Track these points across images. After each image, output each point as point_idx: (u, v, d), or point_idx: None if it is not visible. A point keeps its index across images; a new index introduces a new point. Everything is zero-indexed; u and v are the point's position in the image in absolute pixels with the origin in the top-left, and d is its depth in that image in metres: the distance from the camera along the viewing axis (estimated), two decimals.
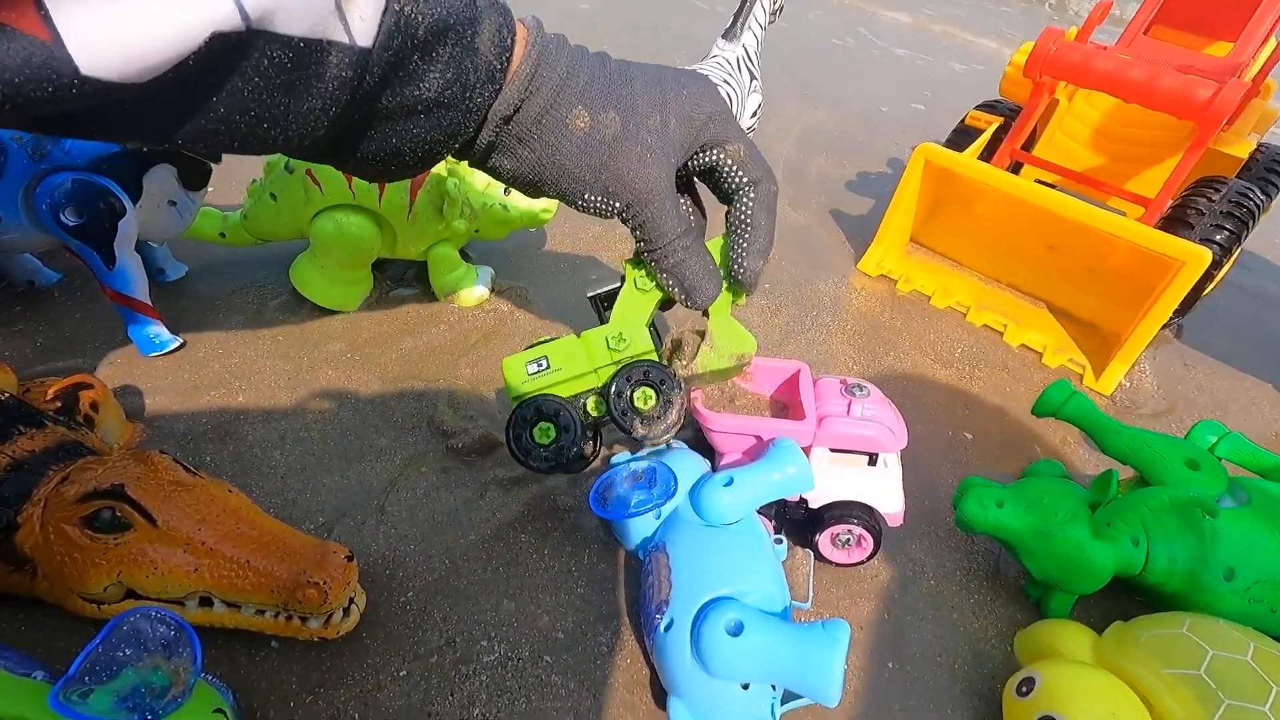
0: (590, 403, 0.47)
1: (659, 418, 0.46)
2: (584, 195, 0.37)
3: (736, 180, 0.42)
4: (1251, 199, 0.86)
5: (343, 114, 0.29)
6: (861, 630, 0.51)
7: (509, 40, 0.33)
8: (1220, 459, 0.55)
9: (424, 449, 0.61)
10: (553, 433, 0.46)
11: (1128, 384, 0.83)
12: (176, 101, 0.24)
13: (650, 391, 0.45)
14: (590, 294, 0.48)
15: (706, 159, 0.41)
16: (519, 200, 0.77)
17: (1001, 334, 0.89)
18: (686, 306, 0.44)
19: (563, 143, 0.36)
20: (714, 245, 0.45)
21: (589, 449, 0.49)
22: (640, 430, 0.46)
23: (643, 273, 0.44)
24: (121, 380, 0.63)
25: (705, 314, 0.46)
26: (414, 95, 0.31)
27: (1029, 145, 1.12)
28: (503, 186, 0.79)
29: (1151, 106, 0.80)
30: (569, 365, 0.45)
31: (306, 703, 0.43)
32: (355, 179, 0.69)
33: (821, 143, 1.46)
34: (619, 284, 0.46)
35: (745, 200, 0.42)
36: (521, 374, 0.45)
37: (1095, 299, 0.90)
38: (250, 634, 0.43)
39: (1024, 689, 0.44)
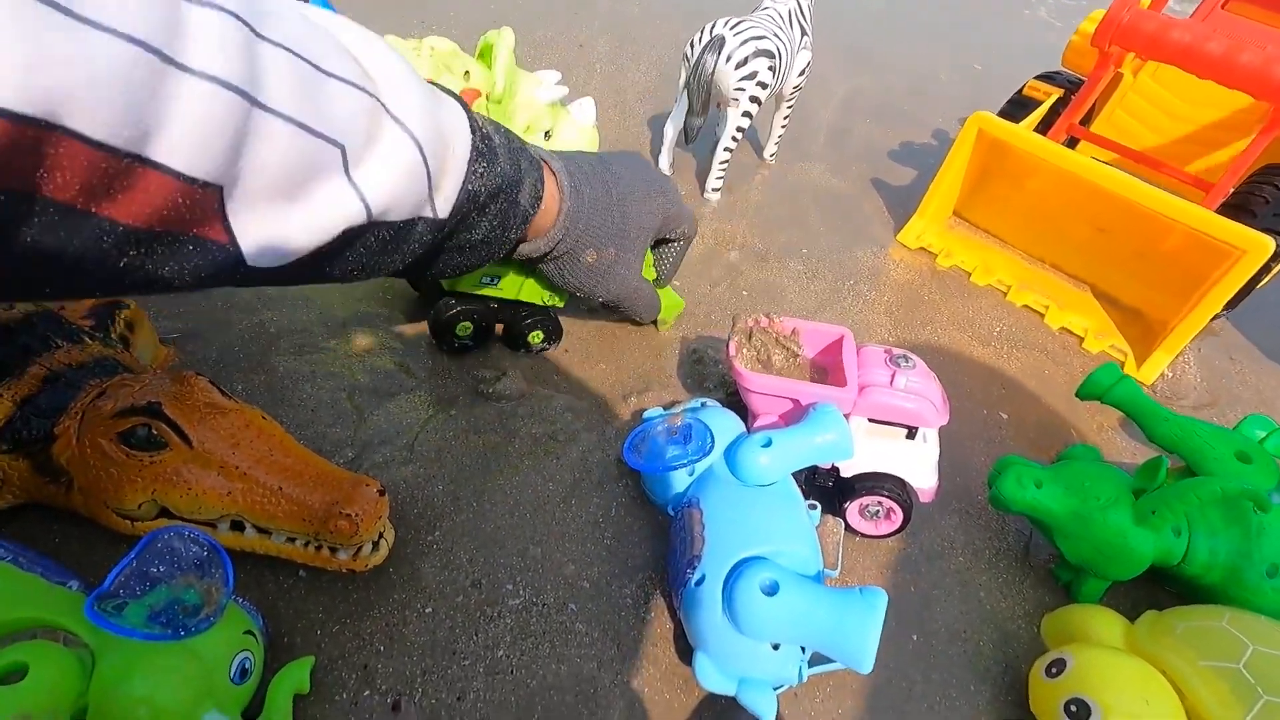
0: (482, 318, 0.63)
1: (535, 351, 0.65)
2: (585, 294, 0.55)
3: (676, 242, 0.63)
4: None
5: (415, 261, 0.38)
6: (888, 601, 0.51)
7: (541, 191, 0.45)
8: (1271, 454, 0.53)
9: (454, 392, 0.60)
10: (470, 330, 0.62)
11: (1170, 374, 0.81)
12: (307, 271, 0.32)
13: (540, 334, 0.65)
14: None
15: (665, 235, 0.61)
16: (559, 146, 0.75)
17: (1042, 315, 0.87)
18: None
19: (577, 270, 0.53)
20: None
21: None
22: (521, 353, 0.65)
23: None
24: (155, 304, 0.62)
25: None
26: (466, 238, 0.42)
27: (1087, 121, 1.07)
28: (544, 131, 0.77)
29: (1229, 84, 0.76)
30: (508, 290, 0.59)
31: (333, 632, 0.43)
32: None
33: (866, 109, 1.41)
34: None
35: (675, 248, 0.64)
36: (476, 279, 0.58)
37: (1143, 285, 0.87)
38: (279, 562, 0.44)
39: (1054, 670, 0.43)
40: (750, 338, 0.56)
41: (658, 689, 0.43)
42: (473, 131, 0.37)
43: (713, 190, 0.96)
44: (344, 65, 0.29)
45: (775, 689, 0.40)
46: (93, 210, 0.22)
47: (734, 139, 0.92)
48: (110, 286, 0.25)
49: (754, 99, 0.88)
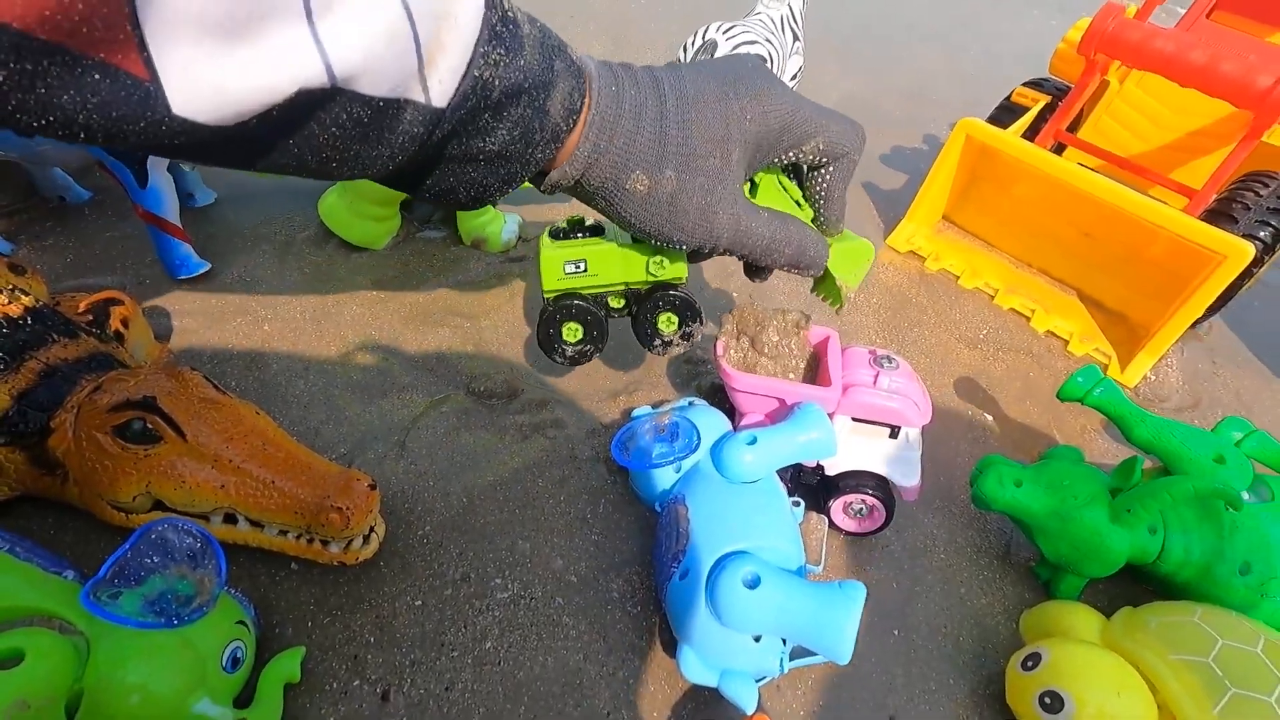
0: (612, 299, 0.49)
1: (674, 344, 0.49)
2: (662, 239, 0.40)
3: (824, 166, 0.43)
4: None
5: (407, 161, 0.31)
6: (869, 597, 0.52)
7: (579, 104, 0.35)
8: (1246, 455, 0.54)
9: (446, 390, 0.61)
10: (580, 334, 0.48)
11: (1153, 377, 0.82)
12: (257, 141, 0.26)
13: (673, 317, 0.49)
14: None
15: (788, 158, 0.42)
16: None
17: (1028, 319, 0.88)
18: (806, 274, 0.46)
19: (626, 203, 0.38)
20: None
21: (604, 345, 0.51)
22: (655, 349, 0.49)
23: None
24: (150, 301, 0.63)
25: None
26: (478, 147, 0.33)
27: (1074, 128, 1.09)
28: None
29: (1211, 92, 0.78)
30: (604, 274, 0.47)
31: (324, 624, 0.44)
32: None
33: (858, 113, 1.42)
34: None
35: (827, 174, 0.44)
36: (559, 271, 0.46)
37: (1127, 289, 0.89)
38: (271, 554, 0.44)
39: (1030, 664, 0.44)
40: (745, 321, 0.53)
41: (642, 680, 0.44)
42: (489, 7, 0.31)
43: None
44: None
45: (757, 680, 0.41)
46: None
47: None
48: None
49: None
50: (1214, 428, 0.57)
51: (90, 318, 0.50)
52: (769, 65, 0.88)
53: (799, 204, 0.45)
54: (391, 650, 0.43)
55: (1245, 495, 0.51)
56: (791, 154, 0.42)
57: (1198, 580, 0.50)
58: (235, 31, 0.23)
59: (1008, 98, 1.10)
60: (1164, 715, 0.41)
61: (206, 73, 0.22)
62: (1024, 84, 1.10)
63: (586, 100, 0.36)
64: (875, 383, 0.52)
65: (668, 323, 0.49)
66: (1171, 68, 0.80)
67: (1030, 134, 1.01)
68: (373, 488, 0.43)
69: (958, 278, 0.93)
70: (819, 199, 0.45)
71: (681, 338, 0.49)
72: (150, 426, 0.40)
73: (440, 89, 0.30)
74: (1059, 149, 1.04)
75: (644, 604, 0.48)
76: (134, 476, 0.40)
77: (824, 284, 0.50)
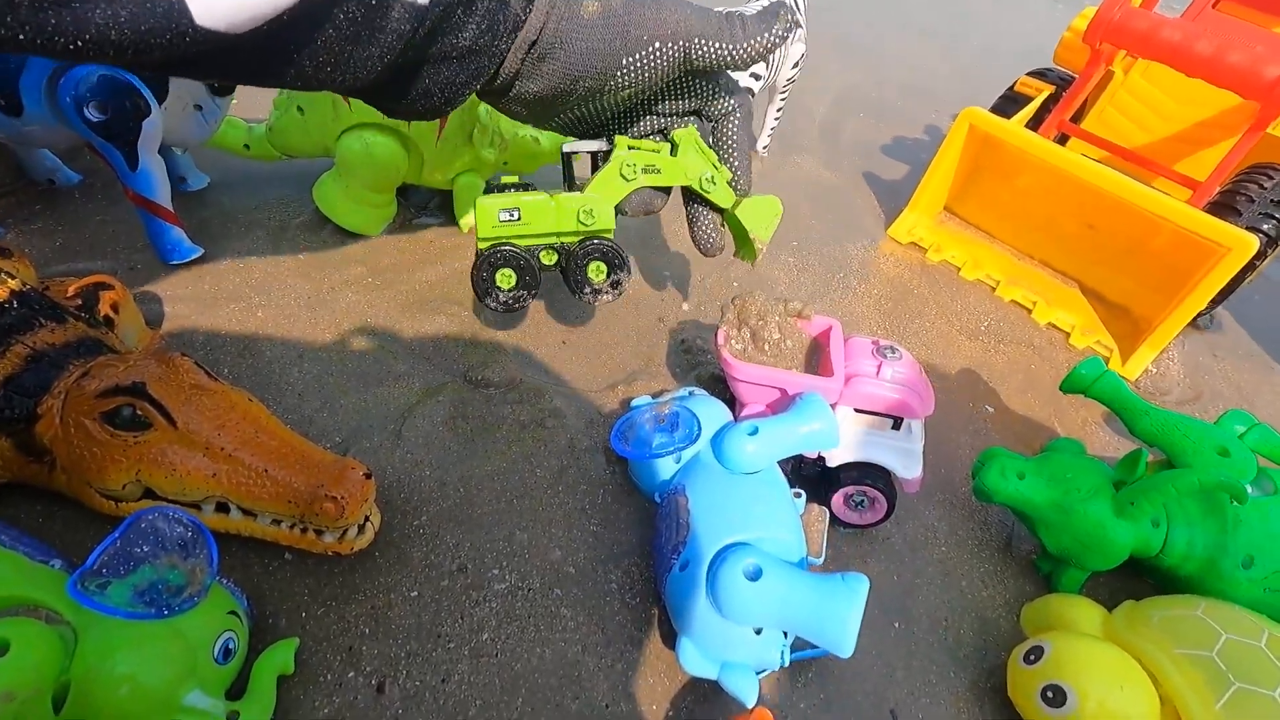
0: (544, 254, 0.51)
1: (604, 292, 0.51)
2: (623, 64, 0.39)
3: (728, 116, 0.46)
4: None
5: (394, 60, 0.33)
6: (870, 589, 0.51)
7: None
8: (1249, 449, 0.54)
9: (442, 379, 0.60)
10: (513, 279, 0.50)
11: (1154, 370, 0.82)
12: (267, 49, 0.28)
13: (603, 266, 0.51)
14: (566, 149, 0.49)
15: (698, 106, 0.45)
16: (552, 134, 0.74)
17: (1030, 311, 0.87)
18: (733, 189, 0.49)
19: (583, 33, 0.38)
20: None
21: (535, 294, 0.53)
22: (585, 296, 0.51)
23: (633, 163, 0.47)
24: (141, 287, 0.62)
25: (723, 223, 0.52)
26: (453, 43, 0.35)
27: (1077, 118, 1.08)
28: (533, 136, 0.76)
29: (1217, 83, 0.77)
30: (537, 223, 0.48)
31: (318, 614, 0.43)
32: None
33: (859, 104, 1.42)
34: (598, 147, 0.48)
35: (732, 124, 0.47)
36: (493, 218, 0.47)
37: (1130, 281, 0.88)
38: (264, 544, 0.44)
39: (1032, 657, 0.43)
40: (747, 312, 0.54)
41: (641, 673, 0.43)
42: None
43: None
44: None
45: (758, 673, 0.40)
46: None
47: None
48: (31, 30, 0.21)
49: (747, 90, 0.88)
50: (1217, 420, 0.57)
51: (79, 302, 0.49)
52: None
53: (716, 166, 0.48)
54: (387, 642, 0.42)
55: (1252, 490, 0.51)
56: (699, 96, 0.45)
57: (1201, 574, 0.49)
58: None
59: (1011, 87, 1.09)
60: (1167, 709, 0.41)
61: None
62: (1028, 74, 1.09)
63: None
64: (879, 373, 0.51)
65: (597, 271, 0.51)
66: (1178, 58, 0.79)
67: (1033, 124, 1.00)
68: (368, 476, 0.42)
69: (959, 269, 0.92)
70: (732, 150, 0.48)
71: (610, 285, 0.51)
72: (140, 413, 0.39)
73: None
74: (1062, 139, 1.03)
75: (643, 596, 0.47)
76: (123, 464, 0.40)
77: (740, 241, 0.55)
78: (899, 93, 1.55)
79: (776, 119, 1.06)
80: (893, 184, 1.12)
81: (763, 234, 0.53)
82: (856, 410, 0.52)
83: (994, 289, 0.90)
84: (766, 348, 0.53)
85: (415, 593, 0.45)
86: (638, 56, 0.39)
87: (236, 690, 0.37)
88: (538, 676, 0.42)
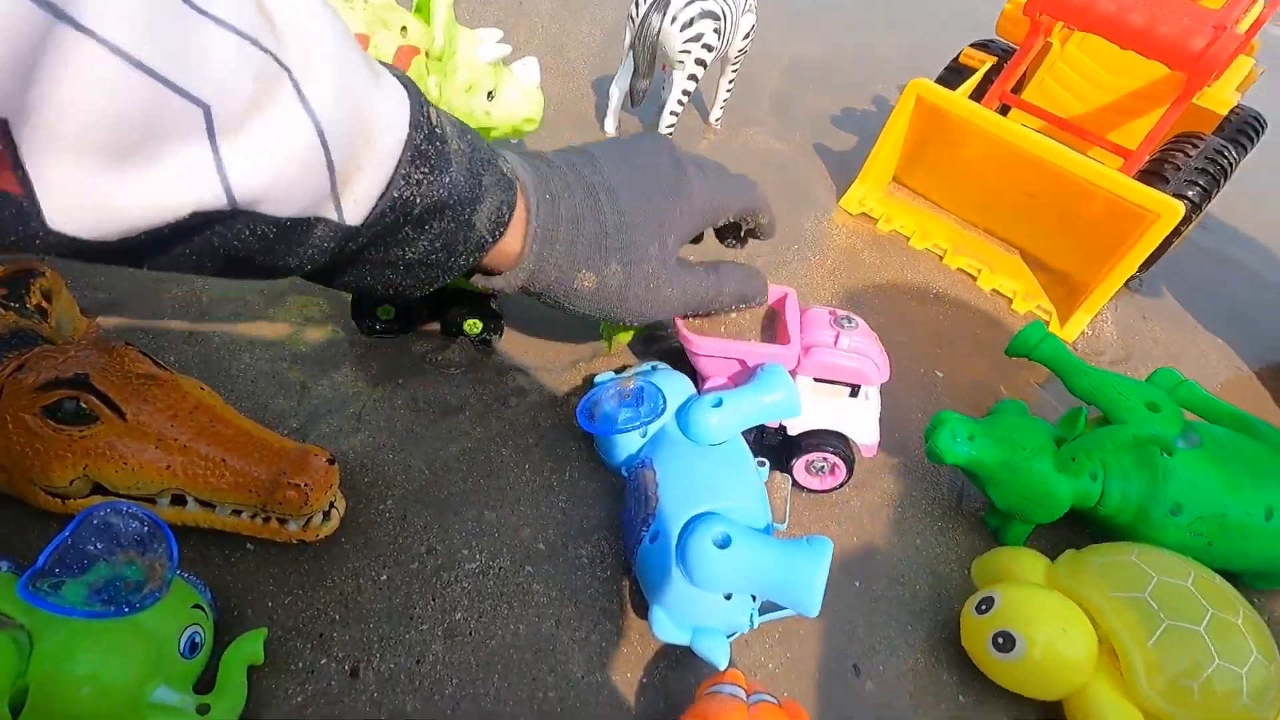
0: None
1: (475, 343, 0.61)
2: (615, 321, 0.46)
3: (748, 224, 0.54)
4: (1226, 157, 0.87)
5: (324, 264, 0.31)
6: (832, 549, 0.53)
7: (507, 216, 0.37)
8: (1176, 404, 0.57)
9: (402, 361, 0.59)
10: (392, 314, 0.57)
11: (1090, 332, 0.86)
12: (147, 251, 0.25)
13: (478, 322, 0.59)
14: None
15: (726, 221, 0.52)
16: (503, 108, 0.73)
17: (975, 278, 0.90)
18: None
19: (576, 300, 0.42)
20: None
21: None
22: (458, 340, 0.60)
23: None
24: (75, 274, 0.58)
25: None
26: (397, 255, 0.34)
27: (1018, 89, 1.11)
28: (486, 92, 0.75)
29: (1148, 54, 0.80)
30: None
31: (285, 604, 0.42)
32: None
33: (810, 75, 1.42)
34: None
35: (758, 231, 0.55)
36: None
37: (1067, 248, 0.92)
38: (224, 535, 0.43)
39: (983, 607, 0.46)
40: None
41: (615, 643, 0.44)
42: (414, 127, 0.30)
43: None
44: (238, 9, 0.23)
45: (728, 637, 0.42)
46: None
47: (680, 102, 0.92)
48: None
49: (699, 61, 0.88)
50: (1147, 378, 0.60)
51: (5, 291, 0.46)
52: (722, 23, 0.87)
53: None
54: (358, 626, 0.42)
55: (1179, 442, 0.54)
56: (720, 221, 0.51)
57: (1134, 522, 0.53)
58: (124, 152, 0.22)
59: (956, 59, 1.11)
60: (1104, 648, 0.44)
61: (89, 192, 0.21)
62: (971, 45, 1.12)
63: (520, 212, 0.38)
64: (836, 343, 0.53)
65: (472, 327, 0.59)
66: (1112, 29, 0.82)
67: (977, 95, 1.03)
68: (331, 462, 0.41)
69: (908, 239, 0.95)
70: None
71: (480, 342, 0.60)
72: (84, 406, 0.38)
73: (355, 209, 0.29)
74: (1004, 110, 1.06)
75: (613, 568, 0.48)
76: (69, 459, 0.38)
77: (611, 332, 0.61)
78: (849, 63, 1.56)
79: (729, 91, 1.06)
80: (843, 155, 1.14)
81: (623, 338, 0.62)
82: (816, 380, 0.54)
83: (941, 257, 0.93)
84: (722, 320, 0.54)
85: (385, 576, 0.45)
86: (631, 320, 0.46)
87: (206, 683, 0.37)
88: (513, 652, 0.43)
